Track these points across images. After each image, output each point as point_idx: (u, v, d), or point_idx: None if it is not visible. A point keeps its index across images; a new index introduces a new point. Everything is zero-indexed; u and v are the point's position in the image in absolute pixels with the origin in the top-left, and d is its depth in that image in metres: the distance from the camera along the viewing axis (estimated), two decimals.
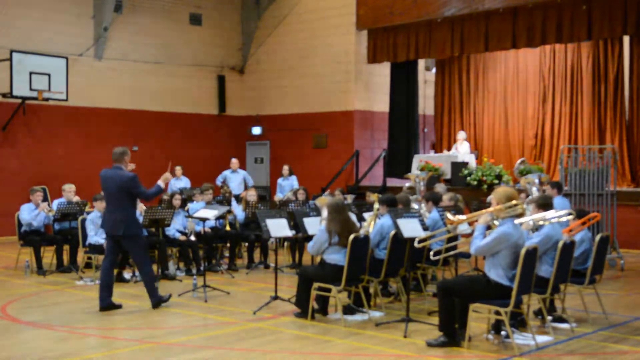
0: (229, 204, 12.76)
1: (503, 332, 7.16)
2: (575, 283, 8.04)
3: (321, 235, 8.09)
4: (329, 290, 8.07)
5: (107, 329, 7.80)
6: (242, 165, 18.68)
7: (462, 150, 16.95)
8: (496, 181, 15.39)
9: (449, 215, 7.26)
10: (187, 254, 11.32)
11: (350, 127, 18.43)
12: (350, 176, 18.29)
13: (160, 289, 9.05)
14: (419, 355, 6.71)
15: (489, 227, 6.95)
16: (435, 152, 18.51)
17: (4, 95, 15.70)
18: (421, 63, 19.26)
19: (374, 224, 8.57)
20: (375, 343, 7.15)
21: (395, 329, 7.61)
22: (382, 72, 18.66)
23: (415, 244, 7.72)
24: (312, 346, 7.05)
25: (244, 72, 20.74)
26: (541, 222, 7.53)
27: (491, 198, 7.12)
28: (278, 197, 15.50)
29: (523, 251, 6.65)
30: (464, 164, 16.23)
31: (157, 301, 8.72)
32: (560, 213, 7.78)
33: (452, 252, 8.13)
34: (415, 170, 16.04)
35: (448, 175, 16.21)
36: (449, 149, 18.02)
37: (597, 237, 8.08)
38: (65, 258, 11.69)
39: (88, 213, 11.26)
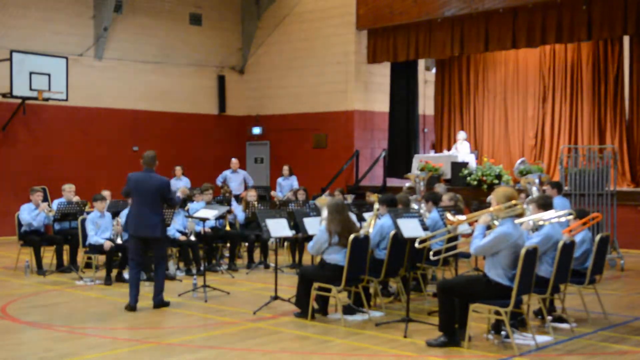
0: (229, 204, 12.76)
1: (503, 332, 7.16)
2: (575, 283, 8.04)
3: (321, 235, 8.09)
4: (329, 290, 8.07)
5: (107, 329, 7.80)
6: (242, 165, 18.68)
7: (462, 150, 16.95)
8: (496, 181, 15.39)
9: (449, 216, 7.27)
10: (187, 254, 11.32)
11: (350, 127, 18.44)
12: (350, 176, 18.29)
13: None
14: (419, 355, 6.71)
15: (489, 227, 6.95)
16: (435, 152, 18.51)
17: (4, 95, 15.70)
18: (421, 63, 19.26)
19: (374, 224, 8.57)
20: (375, 343, 7.15)
21: (395, 329, 7.61)
22: (382, 72, 18.66)
23: (416, 245, 7.72)
24: (312, 346, 7.05)
25: (244, 72, 20.74)
26: (541, 222, 7.54)
27: (491, 198, 7.13)
28: (277, 196, 15.49)
29: (523, 251, 6.65)
30: (464, 164, 16.24)
31: (160, 302, 8.73)
32: (560, 213, 7.78)
33: (452, 252, 8.14)
34: (415, 170, 16.04)
35: (448, 175, 16.22)
36: (449, 149, 18.02)
37: (597, 237, 8.08)
38: (65, 258, 11.69)
39: (88, 213, 11.25)
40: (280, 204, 13.02)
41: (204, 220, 10.31)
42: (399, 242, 8.20)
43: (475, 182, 15.60)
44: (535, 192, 11.38)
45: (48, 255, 11.95)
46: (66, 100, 16.19)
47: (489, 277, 6.82)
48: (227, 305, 8.96)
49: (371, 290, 8.72)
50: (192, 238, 11.22)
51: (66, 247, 11.70)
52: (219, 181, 16.39)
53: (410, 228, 7.96)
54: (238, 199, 13.95)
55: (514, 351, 6.75)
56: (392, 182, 17.61)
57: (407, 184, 14.02)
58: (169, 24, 19.13)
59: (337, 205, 8.20)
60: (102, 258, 11.07)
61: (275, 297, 8.80)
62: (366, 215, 10.37)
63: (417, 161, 16.60)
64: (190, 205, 12.22)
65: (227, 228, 12.23)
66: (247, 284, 10.71)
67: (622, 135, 16.14)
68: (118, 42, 18.14)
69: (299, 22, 19.36)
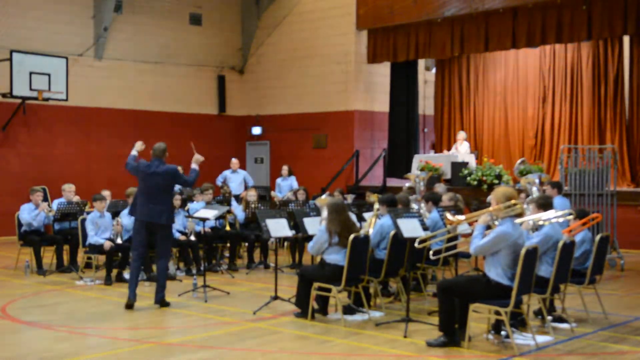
0: (229, 204, 12.76)
1: (503, 332, 7.16)
2: (575, 283, 8.04)
3: (321, 235, 8.09)
4: (329, 290, 8.07)
5: (107, 329, 7.80)
6: (242, 165, 18.67)
7: (462, 150, 16.95)
8: (496, 181, 15.38)
9: (449, 216, 7.27)
10: (187, 254, 11.33)
11: (350, 127, 18.43)
12: (350, 176, 18.29)
13: None
14: (419, 355, 6.71)
15: (488, 227, 6.96)
16: (435, 152, 18.51)
17: (4, 95, 15.70)
18: (421, 63, 19.26)
19: (374, 224, 8.58)
20: (375, 343, 7.15)
21: (395, 329, 7.61)
22: (382, 72, 18.65)
23: (416, 245, 7.72)
24: (312, 346, 7.05)
25: (244, 72, 20.74)
26: (541, 222, 7.54)
27: (491, 198, 7.13)
28: (277, 196, 15.49)
29: (523, 251, 6.65)
30: (464, 164, 16.23)
31: (162, 299, 8.75)
32: (559, 213, 7.78)
33: (451, 252, 8.13)
34: (415, 170, 16.03)
35: (448, 175, 16.21)
36: (449, 149, 18.02)
37: (597, 237, 8.08)
38: (65, 258, 11.69)
39: (88, 213, 11.25)
40: (280, 204, 13.03)
41: (204, 220, 10.32)
42: (399, 242, 8.20)
43: (475, 182, 15.60)
44: (535, 192, 11.37)
45: (48, 255, 11.95)
46: (66, 100, 16.18)
47: (489, 277, 6.82)
48: (227, 305, 8.96)
49: (371, 290, 8.73)
50: (192, 238, 11.22)
51: (66, 247, 11.71)
52: (219, 181, 16.38)
53: (410, 228, 7.96)
54: (238, 199, 13.94)
55: (514, 351, 6.75)
56: (392, 182, 17.60)
57: (407, 184, 13.99)
58: (169, 24, 19.12)
59: (337, 205, 8.20)
60: (102, 258, 11.07)
61: (275, 297, 8.80)
62: (366, 215, 10.38)
63: (417, 161, 16.60)
64: (190, 205, 12.22)
65: (227, 228, 12.23)
66: (247, 284, 10.71)
67: (622, 135, 16.14)
68: (118, 42, 18.14)
69: (299, 22, 19.36)
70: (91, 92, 17.64)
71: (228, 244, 12.27)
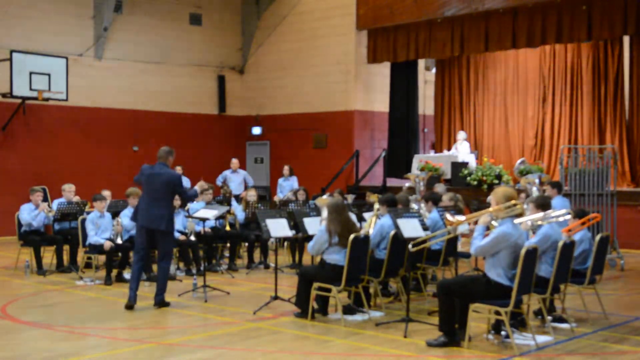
0: (229, 204, 12.76)
1: (503, 332, 7.16)
2: (575, 283, 8.04)
3: (321, 235, 8.09)
4: (329, 290, 8.07)
5: (107, 329, 7.80)
6: (242, 165, 18.67)
7: (462, 150, 16.95)
8: (496, 181, 15.39)
9: (448, 216, 7.26)
10: (187, 254, 11.32)
11: (350, 127, 18.43)
12: (350, 176, 18.29)
13: None
14: (419, 355, 6.71)
15: (488, 228, 6.96)
16: (435, 152, 18.51)
17: (4, 95, 15.70)
18: (421, 63, 19.25)
19: (374, 224, 8.57)
20: (375, 343, 7.15)
21: (395, 329, 7.61)
22: (382, 72, 18.65)
23: (410, 248, 7.70)
24: (312, 346, 7.05)
25: (244, 72, 20.74)
26: (539, 222, 7.54)
27: (490, 198, 7.13)
28: (278, 197, 15.49)
29: (523, 251, 6.65)
30: (464, 164, 16.24)
31: (162, 301, 8.74)
32: (557, 213, 7.78)
33: (427, 244, 8.02)
34: (415, 170, 16.04)
35: (448, 175, 16.22)
36: (449, 149, 18.02)
37: (597, 237, 8.08)
38: (65, 258, 11.69)
39: (88, 213, 11.25)
40: (281, 204, 13.02)
41: (204, 220, 10.32)
42: (399, 242, 8.20)
43: (475, 182, 15.60)
44: (535, 192, 11.38)
45: (48, 255, 11.94)
46: (66, 100, 16.19)
47: (489, 277, 6.82)
48: (227, 305, 8.96)
49: (371, 290, 8.72)
50: (192, 238, 11.22)
51: (66, 247, 11.70)
52: (219, 181, 16.39)
53: (410, 228, 7.96)
54: (238, 199, 13.95)
55: (514, 351, 6.75)
56: (392, 182, 17.60)
57: (407, 184, 14.01)
58: (169, 24, 19.12)
59: (337, 205, 8.20)
60: (102, 258, 11.07)
61: (275, 297, 8.80)
62: (366, 215, 10.37)
63: (417, 161, 16.61)
64: (190, 206, 12.22)
65: (227, 228, 12.22)
66: (247, 284, 10.71)
67: (622, 135, 16.14)
68: (118, 42, 18.14)
69: (299, 22, 19.36)
70: (91, 92, 17.64)
71: (228, 244, 12.27)
